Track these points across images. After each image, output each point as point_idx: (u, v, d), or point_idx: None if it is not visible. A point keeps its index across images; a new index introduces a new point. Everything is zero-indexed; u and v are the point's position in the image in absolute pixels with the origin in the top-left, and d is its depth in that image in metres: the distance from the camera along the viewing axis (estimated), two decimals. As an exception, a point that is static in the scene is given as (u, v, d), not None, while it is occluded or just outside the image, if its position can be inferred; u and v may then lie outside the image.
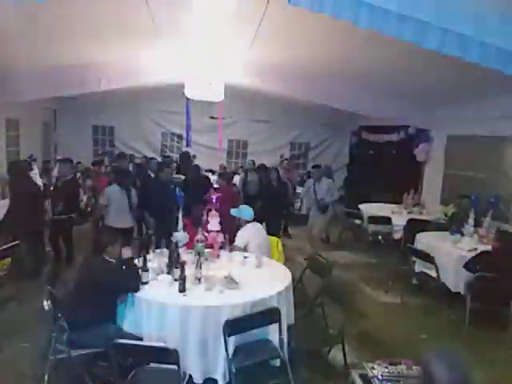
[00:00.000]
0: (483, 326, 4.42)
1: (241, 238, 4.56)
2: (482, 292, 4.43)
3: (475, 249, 4.96)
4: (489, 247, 4.79)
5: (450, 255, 5.06)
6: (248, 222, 4.69)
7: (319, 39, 5.21)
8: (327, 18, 3.36)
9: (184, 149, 11.43)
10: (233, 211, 4.76)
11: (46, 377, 3.08)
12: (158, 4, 4.38)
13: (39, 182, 7.80)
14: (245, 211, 4.74)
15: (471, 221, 5.58)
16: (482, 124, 6.60)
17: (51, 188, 6.65)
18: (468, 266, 4.60)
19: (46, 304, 3.07)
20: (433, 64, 5.09)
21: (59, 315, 3.15)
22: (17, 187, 5.48)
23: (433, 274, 4.97)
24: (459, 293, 4.85)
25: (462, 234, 5.44)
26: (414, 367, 2.81)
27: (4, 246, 4.44)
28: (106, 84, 7.21)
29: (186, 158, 8.45)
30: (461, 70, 4.95)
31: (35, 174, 8.11)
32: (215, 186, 7.99)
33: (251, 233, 4.60)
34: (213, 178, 9.91)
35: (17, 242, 4.59)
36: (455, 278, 4.93)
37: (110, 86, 7.28)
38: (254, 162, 9.12)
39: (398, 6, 3.57)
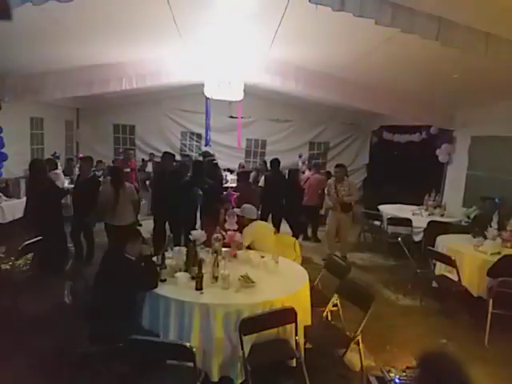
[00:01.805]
0: (505, 332, 4.31)
1: (245, 236, 4.58)
2: (505, 297, 4.31)
3: (498, 252, 4.83)
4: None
5: (472, 259, 4.95)
6: (252, 220, 4.74)
7: (340, 38, 5.16)
8: (349, 16, 3.33)
9: (203, 148, 11.51)
10: (236, 211, 4.83)
11: (66, 371, 3.14)
12: (179, 4, 4.42)
13: (63, 179, 8.00)
14: (247, 210, 4.77)
15: (495, 224, 5.43)
16: (507, 125, 6.43)
17: (73, 186, 6.79)
18: (491, 272, 4.48)
19: (67, 299, 3.13)
20: (459, 64, 4.99)
21: (79, 310, 3.21)
22: (35, 185, 5.57)
23: (454, 277, 4.87)
24: (481, 297, 4.74)
25: (485, 237, 5.30)
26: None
27: (27, 242, 4.53)
28: (128, 83, 7.31)
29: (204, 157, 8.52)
30: (486, 70, 4.84)
31: (60, 172, 8.32)
32: (232, 184, 8.01)
33: (255, 231, 4.62)
34: (231, 177, 9.95)
35: (40, 237, 4.68)
36: (477, 282, 4.81)
37: (131, 86, 7.38)
38: (265, 163, 9.13)
39: (423, 5, 3.52)
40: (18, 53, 5.72)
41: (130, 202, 5.64)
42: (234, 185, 7.99)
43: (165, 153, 6.88)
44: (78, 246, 6.11)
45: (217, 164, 8.22)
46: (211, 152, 10.65)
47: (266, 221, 6.10)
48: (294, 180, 7.29)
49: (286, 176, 7.70)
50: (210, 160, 8.31)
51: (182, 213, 6.11)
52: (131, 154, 9.67)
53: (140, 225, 7.65)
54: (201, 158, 8.80)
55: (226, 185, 8.77)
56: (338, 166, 7.29)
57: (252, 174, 9.02)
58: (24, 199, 7.39)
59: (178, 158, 11.75)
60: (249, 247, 4.54)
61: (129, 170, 8.60)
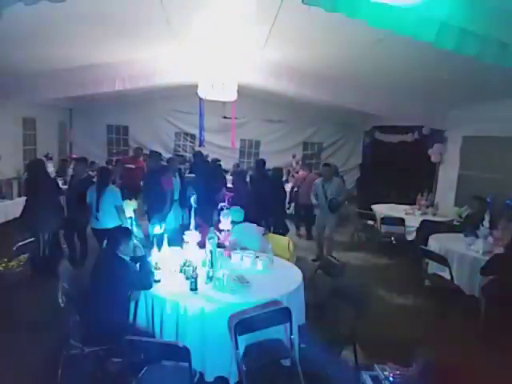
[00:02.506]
0: (498, 330, 4.35)
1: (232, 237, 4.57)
2: (497, 295, 4.36)
3: (490, 251, 4.89)
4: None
5: (465, 257, 5.01)
6: (238, 222, 4.70)
7: (333, 39, 5.19)
8: (341, 17, 3.35)
9: (197, 148, 11.51)
10: (223, 213, 4.77)
11: (60, 372, 3.13)
12: (172, 5, 4.42)
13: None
14: (234, 213, 4.70)
15: (486, 223, 5.49)
16: (498, 124, 6.50)
17: (67, 186, 6.75)
18: (484, 271, 4.53)
19: (61, 300, 3.12)
20: (448, 64, 5.04)
21: (73, 311, 3.20)
22: (34, 185, 5.54)
23: (446, 276, 4.92)
24: (474, 295, 4.79)
25: (477, 236, 5.36)
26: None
27: (21, 243, 4.51)
28: (121, 84, 7.29)
29: (199, 157, 8.50)
30: (476, 70, 4.89)
31: (51, 173, 8.27)
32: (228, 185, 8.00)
33: (241, 233, 4.58)
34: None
35: (33, 238, 4.65)
36: (469, 281, 4.88)
37: (124, 86, 7.36)
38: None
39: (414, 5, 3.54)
40: (10, 53, 5.68)
41: (112, 205, 5.40)
42: (229, 185, 7.98)
43: (151, 152, 6.86)
44: (72, 246, 6.08)
45: (221, 165, 8.22)
46: (204, 153, 10.64)
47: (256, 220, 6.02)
48: (277, 179, 7.25)
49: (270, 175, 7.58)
50: (214, 160, 8.31)
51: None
52: (141, 152, 9.70)
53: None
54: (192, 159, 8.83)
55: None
56: (325, 164, 7.31)
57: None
58: (16, 200, 7.38)
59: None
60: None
61: (133, 166, 8.60)
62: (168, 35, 5.59)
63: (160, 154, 7.32)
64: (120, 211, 5.47)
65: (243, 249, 4.39)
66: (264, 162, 7.22)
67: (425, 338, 4.32)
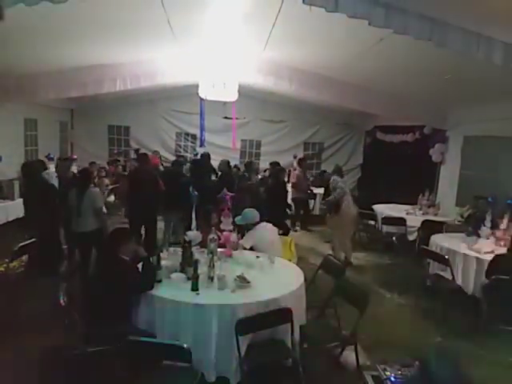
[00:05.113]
0: (499, 330, 4.34)
1: (248, 238, 4.53)
2: (498, 295, 4.36)
3: (492, 251, 4.88)
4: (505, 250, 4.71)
5: (466, 257, 4.99)
6: (256, 224, 4.62)
7: (333, 39, 5.19)
8: (342, 17, 3.36)
9: (198, 149, 11.51)
10: (237, 219, 4.70)
11: (61, 373, 3.13)
12: (173, 5, 4.42)
13: (55, 181, 7.95)
14: (248, 215, 4.66)
15: (488, 222, 5.48)
16: (499, 124, 6.49)
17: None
18: (488, 273, 4.52)
19: (62, 301, 3.12)
20: (451, 64, 5.03)
21: (75, 311, 3.20)
22: (29, 187, 5.51)
23: (448, 276, 4.91)
24: (475, 295, 4.78)
25: (479, 236, 5.35)
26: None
27: (21, 244, 4.51)
28: (122, 84, 7.30)
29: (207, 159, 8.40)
30: (478, 71, 4.89)
31: (52, 173, 8.27)
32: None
33: (260, 234, 4.55)
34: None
35: (34, 239, 4.66)
36: (471, 281, 4.86)
37: (125, 87, 7.37)
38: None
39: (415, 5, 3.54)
40: (12, 53, 5.68)
41: (91, 208, 5.16)
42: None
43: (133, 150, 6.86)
44: (73, 246, 6.06)
45: (229, 163, 8.24)
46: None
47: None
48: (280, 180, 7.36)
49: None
50: (224, 161, 8.32)
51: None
52: (157, 152, 10.16)
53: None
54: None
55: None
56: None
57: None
58: (18, 201, 7.38)
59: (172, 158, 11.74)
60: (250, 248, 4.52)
61: None
62: (169, 35, 5.60)
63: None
64: (100, 213, 5.31)
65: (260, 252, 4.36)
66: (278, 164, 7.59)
67: (426, 338, 4.32)
